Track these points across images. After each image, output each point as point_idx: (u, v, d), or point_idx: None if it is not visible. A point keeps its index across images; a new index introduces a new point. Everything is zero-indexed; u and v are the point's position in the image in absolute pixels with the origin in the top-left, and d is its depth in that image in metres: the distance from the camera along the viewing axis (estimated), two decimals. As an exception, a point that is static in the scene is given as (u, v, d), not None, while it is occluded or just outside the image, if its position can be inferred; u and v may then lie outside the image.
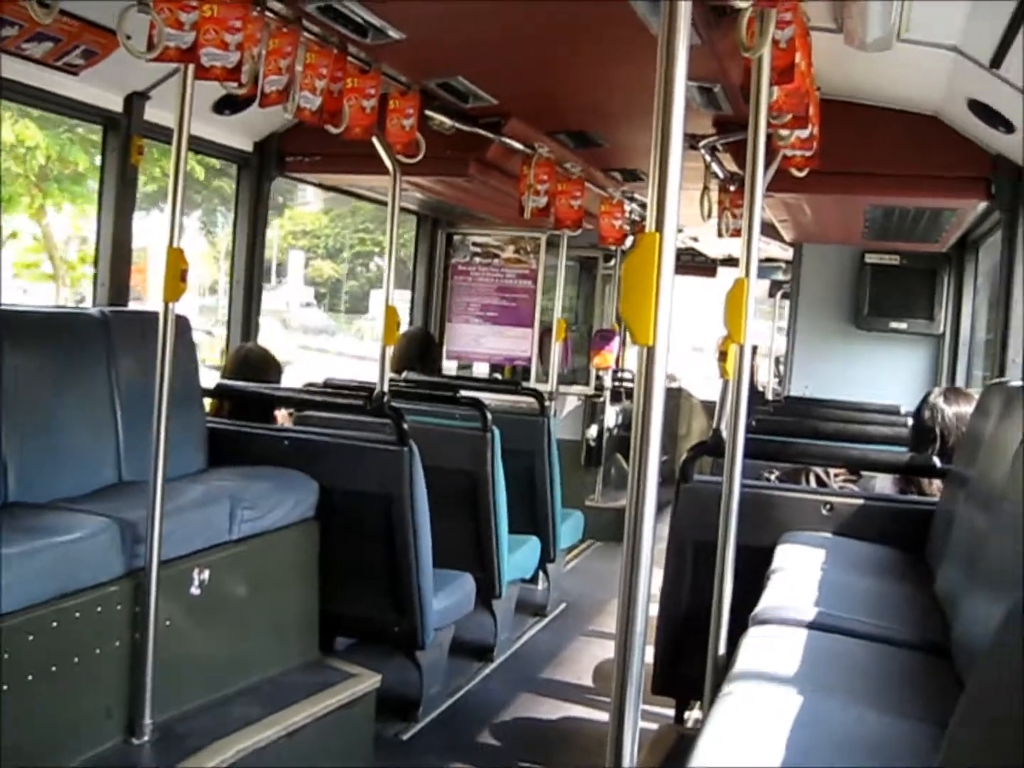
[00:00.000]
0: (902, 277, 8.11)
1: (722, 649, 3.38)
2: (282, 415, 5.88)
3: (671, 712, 4.36)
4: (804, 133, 4.01)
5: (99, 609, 3.53)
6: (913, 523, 4.14)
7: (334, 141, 4.63)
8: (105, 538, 3.56)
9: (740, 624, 3.22)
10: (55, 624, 3.34)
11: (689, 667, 3.81)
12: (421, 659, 4.88)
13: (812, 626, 3.07)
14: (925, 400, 4.57)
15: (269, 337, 5.55)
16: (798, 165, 4.36)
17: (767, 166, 3.72)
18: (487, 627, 5.89)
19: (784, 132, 3.94)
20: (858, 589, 3.52)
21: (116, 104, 4.85)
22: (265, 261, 5.99)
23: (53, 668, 3.35)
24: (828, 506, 4.23)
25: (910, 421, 4.91)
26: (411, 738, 4.83)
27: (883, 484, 4.76)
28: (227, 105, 5.24)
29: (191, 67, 3.59)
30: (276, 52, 3.93)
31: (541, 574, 6.91)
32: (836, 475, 5.03)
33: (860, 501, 4.33)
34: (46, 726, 3.35)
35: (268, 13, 3.88)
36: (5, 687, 3.16)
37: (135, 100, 4.87)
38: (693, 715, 4.40)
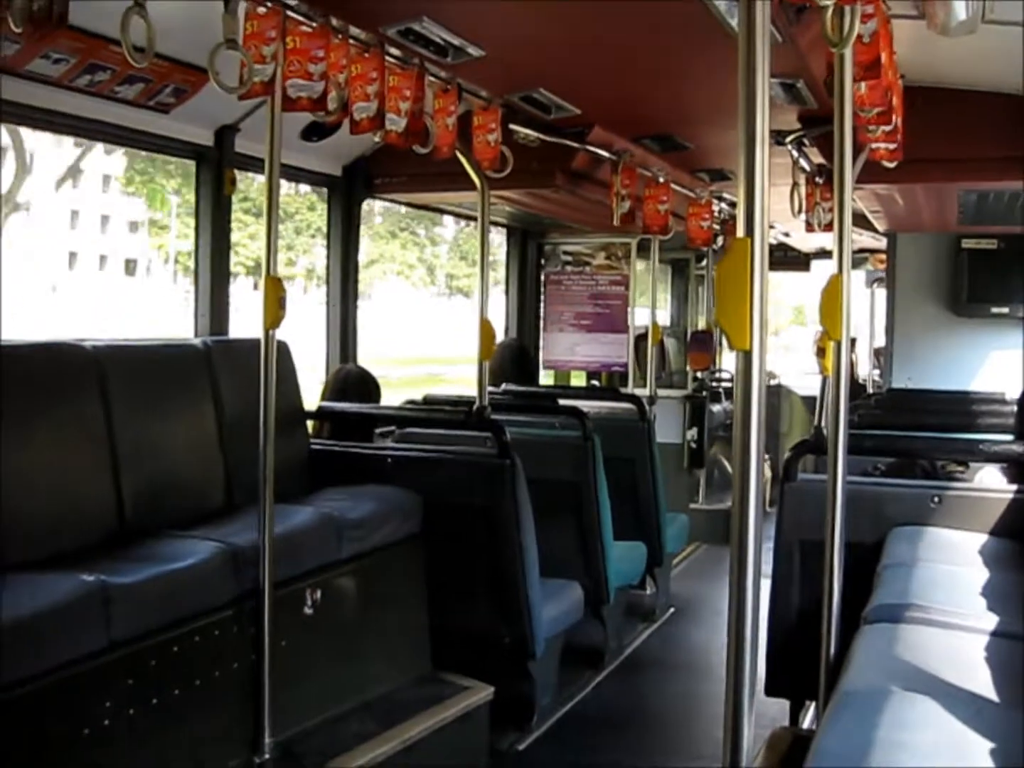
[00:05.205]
0: (1001, 261, 7.90)
1: (834, 649, 3.35)
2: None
3: (786, 713, 4.33)
4: (888, 127, 3.96)
5: (216, 632, 3.61)
6: None
7: (421, 160, 4.67)
8: (218, 563, 3.65)
9: (852, 622, 3.18)
10: (175, 649, 3.42)
11: (801, 668, 3.77)
12: (533, 669, 4.89)
13: (925, 622, 3.02)
14: None
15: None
16: (884, 158, 4.31)
17: (855, 158, 3.68)
18: (597, 634, 5.89)
19: (871, 127, 3.90)
20: (971, 582, 3.45)
21: (207, 139, 4.96)
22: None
23: (176, 692, 3.43)
24: (936, 499, 4.16)
25: (1015, 408, 4.80)
26: (526, 748, 4.85)
27: (991, 473, 4.66)
28: (314, 132, 5.32)
29: (278, 99, 3.66)
30: (360, 78, 3.98)
31: (649, 579, 6.88)
32: (943, 466, 4.94)
33: (969, 492, 4.25)
34: (171, 748, 3.43)
35: (350, 40, 3.93)
36: (131, 711, 3.24)
37: (225, 133, 4.98)
38: (808, 716, 4.35)
